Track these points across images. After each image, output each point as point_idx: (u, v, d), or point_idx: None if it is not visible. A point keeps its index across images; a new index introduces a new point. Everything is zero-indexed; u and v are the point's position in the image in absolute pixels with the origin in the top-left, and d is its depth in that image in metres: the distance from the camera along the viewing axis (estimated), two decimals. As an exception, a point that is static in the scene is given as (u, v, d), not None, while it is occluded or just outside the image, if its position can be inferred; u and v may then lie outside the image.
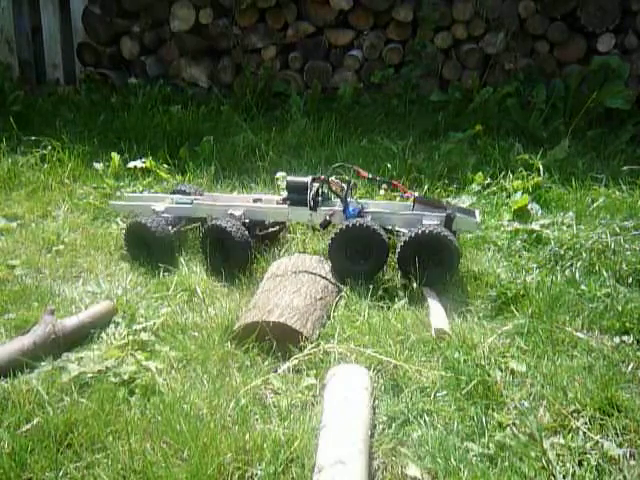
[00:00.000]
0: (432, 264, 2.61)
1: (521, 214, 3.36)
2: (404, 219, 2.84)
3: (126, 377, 2.08)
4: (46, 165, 4.11)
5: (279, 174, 3.86)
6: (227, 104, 5.29)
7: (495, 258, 2.93)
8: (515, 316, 2.45)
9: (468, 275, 2.80)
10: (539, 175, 3.73)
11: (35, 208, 3.60)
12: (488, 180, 3.76)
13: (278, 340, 2.23)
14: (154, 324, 2.39)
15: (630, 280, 2.72)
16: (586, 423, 1.89)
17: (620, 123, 4.81)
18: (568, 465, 1.73)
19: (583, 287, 2.63)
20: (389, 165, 4.00)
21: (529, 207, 3.41)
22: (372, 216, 2.83)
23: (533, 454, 1.76)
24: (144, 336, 2.31)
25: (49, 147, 4.21)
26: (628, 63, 5.01)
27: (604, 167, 4.12)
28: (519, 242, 3.06)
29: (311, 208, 2.89)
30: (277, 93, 5.48)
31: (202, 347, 2.26)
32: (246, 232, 2.83)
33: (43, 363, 2.14)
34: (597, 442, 1.81)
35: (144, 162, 4.02)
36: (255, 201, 3.14)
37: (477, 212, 2.90)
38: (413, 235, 2.61)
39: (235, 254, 2.80)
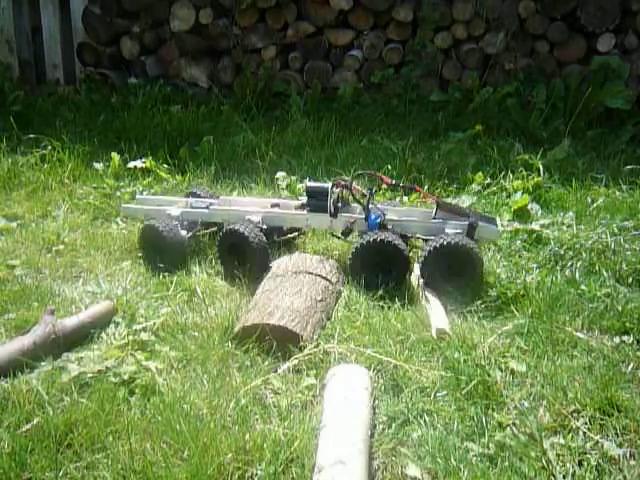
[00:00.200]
0: (454, 274, 2.58)
1: (521, 214, 3.36)
2: (426, 227, 2.79)
3: (126, 377, 2.08)
4: (46, 165, 4.11)
5: (279, 174, 3.86)
6: (227, 104, 5.29)
7: (495, 258, 2.92)
8: (515, 316, 2.45)
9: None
10: (539, 175, 3.73)
11: (35, 208, 3.60)
12: (488, 180, 3.76)
13: (278, 341, 2.23)
14: (154, 324, 2.39)
15: (630, 280, 2.72)
16: (586, 423, 1.89)
17: (620, 123, 4.81)
18: (568, 465, 1.73)
19: (583, 287, 2.63)
20: (389, 165, 4.00)
21: (529, 207, 3.41)
22: (393, 224, 2.77)
23: (533, 454, 1.76)
24: (144, 336, 2.31)
25: (49, 147, 4.21)
26: (628, 63, 5.01)
27: (604, 167, 4.12)
28: (519, 242, 3.06)
29: (331, 215, 2.83)
30: (277, 93, 5.48)
31: (202, 347, 2.26)
32: (264, 238, 2.77)
33: (43, 363, 2.14)
34: (597, 442, 1.81)
35: (144, 162, 4.02)
36: (273, 206, 3.06)
37: (498, 220, 2.86)
38: (438, 246, 2.57)
39: (253, 260, 2.74)
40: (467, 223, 2.70)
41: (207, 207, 3.05)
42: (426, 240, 2.76)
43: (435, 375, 2.08)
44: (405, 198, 3.56)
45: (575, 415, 1.92)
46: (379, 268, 2.63)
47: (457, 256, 2.56)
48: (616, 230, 3.04)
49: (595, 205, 3.46)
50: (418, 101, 5.26)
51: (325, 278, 2.62)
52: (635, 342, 2.30)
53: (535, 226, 3.15)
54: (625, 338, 2.32)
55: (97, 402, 1.94)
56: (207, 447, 1.74)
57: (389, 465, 1.76)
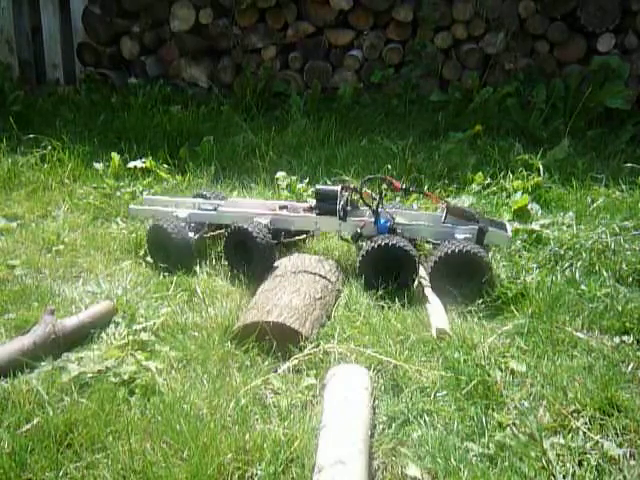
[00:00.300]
0: (463, 279, 2.57)
1: (521, 214, 3.36)
2: (436, 232, 2.78)
3: (126, 377, 2.08)
4: (46, 165, 4.11)
5: (279, 174, 3.86)
6: (227, 104, 5.29)
7: (495, 258, 2.92)
8: (515, 316, 2.45)
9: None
10: (539, 175, 3.73)
11: (35, 208, 3.60)
12: (488, 180, 3.76)
13: (277, 340, 2.23)
14: (154, 324, 2.39)
15: (630, 280, 2.72)
16: (586, 423, 1.89)
17: (620, 123, 4.81)
18: (568, 465, 1.73)
19: (583, 287, 2.63)
20: (389, 165, 4.00)
21: (529, 207, 3.41)
22: (402, 228, 2.77)
23: (533, 454, 1.76)
24: (144, 336, 2.31)
25: (49, 147, 4.21)
26: (628, 63, 5.02)
27: (604, 167, 4.12)
28: (519, 242, 3.06)
29: (340, 218, 2.83)
30: (277, 93, 5.48)
31: (202, 347, 2.26)
32: (270, 237, 2.77)
33: (43, 363, 2.14)
34: (597, 442, 1.81)
35: (144, 162, 4.03)
36: (281, 208, 3.05)
37: (508, 225, 2.85)
38: (449, 252, 2.56)
39: (258, 258, 2.74)
40: (477, 228, 2.69)
41: (215, 209, 3.05)
42: (434, 245, 2.76)
43: (435, 375, 2.08)
44: (414, 206, 3.50)
45: (575, 415, 1.92)
46: (388, 272, 2.62)
47: (467, 264, 2.55)
48: (616, 230, 3.04)
49: (595, 205, 3.46)
50: (418, 101, 5.26)
51: (324, 277, 2.63)
52: (635, 342, 2.30)
53: (535, 226, 3.15)
54: (625, 338, 2.32)
55: (97, 402, 1.95)
56: (207, 447, 1.75)
57: (389, 465, 1.76)
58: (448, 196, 3.66)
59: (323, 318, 2.41)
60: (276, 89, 5.49)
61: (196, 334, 2.35)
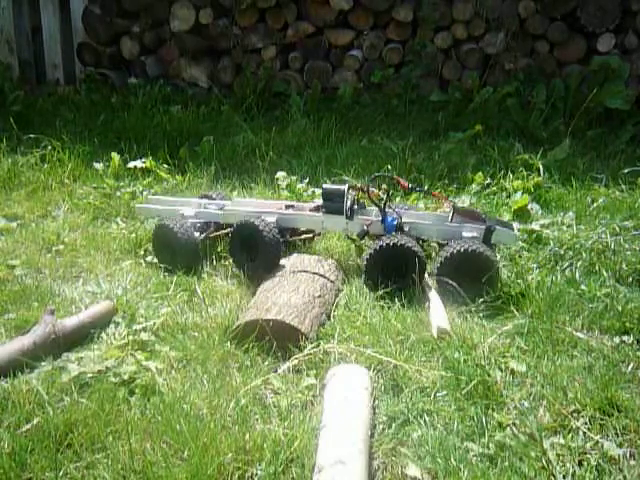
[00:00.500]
0: (470, 279, 2.55)
1: (521, 214, 3.36)
2: (443, 231, 2.77)
3: (126, 377, 2.08)
4: (46, 165, 4.11)
5: (279, 174, 3.86)
6: (227, 104, 5.30)
7: (495, 258, 2.92)
8: (515, 316, 2.45)
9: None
10: (539, 175, 3.73)
11: (35, 208, 3.60)
12: (488, 180, 3.75)
13: (277, 338, 2.23)
14: (154, 324, 2.39)
15: (630, 280, 2.71)
16: (586, 423, 1.88)
17: (620, 123, 4.81)
18: (568, 465, 1.73)
19: (583, 287, 2.63)
20: (389, 165, 4.00)
21: (529, 207, 3.41)
22: (410, 226, 2.76)
23: (533, 454, 1.76)
24: (144, 336, 2.31)
25: (49, 147, 4.21)
26: (628, 63, 5.02)
27: (604, 167, 4.12)
28: (519, 242, 3.06)
29: (347, 217, 2.81)
30: (277, 93, 5.49)
31: (202, 347, 2.26)
32: (277, 233, 2.75)
33: (43, 363, 2.14)
34: (597, 442, 1.81)
35: (144, 162, 4.03)
36: (287, 207, 3.05)
37: (515, 225, 2.82)
38: (455, 252, 2.55)
39: (264, 255, 2.72)
40: (484, 227, 2.68)
41: (221, 208, 3.05)
42: (441, 245, 2.75)
43: (435, 375, 2.08)
44: (421, 205, 3.50)
45: (575, 415, 1.92)
46: (395, 271, 2.61)
47: (474, 263, 2.53)
48: (616, 230, 3.03)
49: (595, 205, 3.45)
50: (418, 101, 5.26)
51: (323, 276, 2.63)
52: (635, 342, 2.30)
53: (535, 226, 3.15)
54: (625, 338, 2.32)
55: (97, 402, 1.94)
56: (207, 447, 1.74)
57: (389, 465, 1.76)
58: (448, 196, 3.65)
59: (323, 316, 2.41)
60: (276, 89, 5.49)
61: (196, 334, 2.35)
